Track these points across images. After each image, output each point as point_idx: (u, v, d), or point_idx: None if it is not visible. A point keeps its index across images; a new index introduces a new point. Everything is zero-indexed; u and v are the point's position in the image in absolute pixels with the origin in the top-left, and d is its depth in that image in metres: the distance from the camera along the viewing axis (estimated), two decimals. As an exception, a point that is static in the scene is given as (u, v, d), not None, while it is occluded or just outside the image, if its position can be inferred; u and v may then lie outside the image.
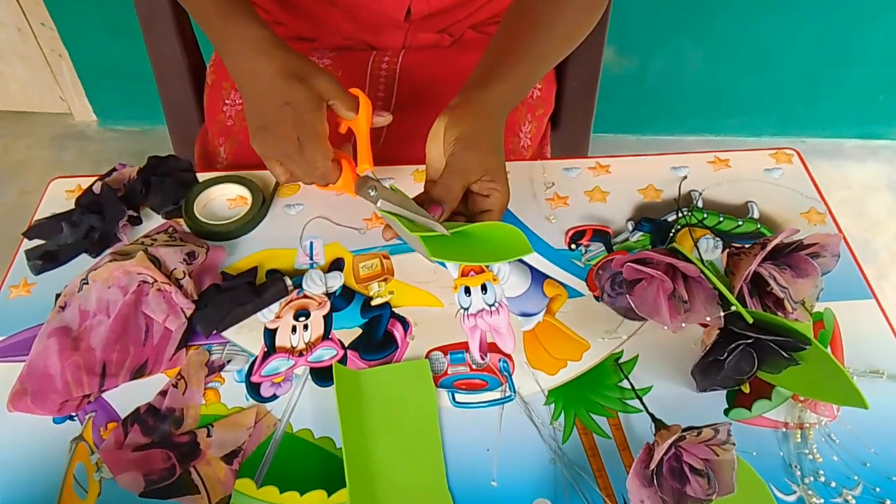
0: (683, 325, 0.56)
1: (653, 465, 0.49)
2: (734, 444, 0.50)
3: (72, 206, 0.71)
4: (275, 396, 0.59)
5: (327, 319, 0.64)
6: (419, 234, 0.57)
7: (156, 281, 0.61)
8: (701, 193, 0.73)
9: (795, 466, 0.54)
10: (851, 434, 0.55)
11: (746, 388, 0.58)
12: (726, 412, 0.57)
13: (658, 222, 0.70)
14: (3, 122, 2.01)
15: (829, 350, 0.61)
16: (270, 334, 0.63)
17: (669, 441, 0.49)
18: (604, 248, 0.69)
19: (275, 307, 0.64)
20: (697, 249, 0.67)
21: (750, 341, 0.53)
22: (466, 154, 0.60)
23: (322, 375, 0.60)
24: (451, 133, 0.61)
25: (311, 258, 0.69)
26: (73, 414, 0.58)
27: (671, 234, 0.68)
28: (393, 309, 0.64)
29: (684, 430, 0.50)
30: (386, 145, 0.84)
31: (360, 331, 0.63)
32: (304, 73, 0.62)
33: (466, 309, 0.64)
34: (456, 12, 0.86)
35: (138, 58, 1.02)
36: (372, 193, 0.63)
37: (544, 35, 0.67)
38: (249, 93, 0.64)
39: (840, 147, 1.89)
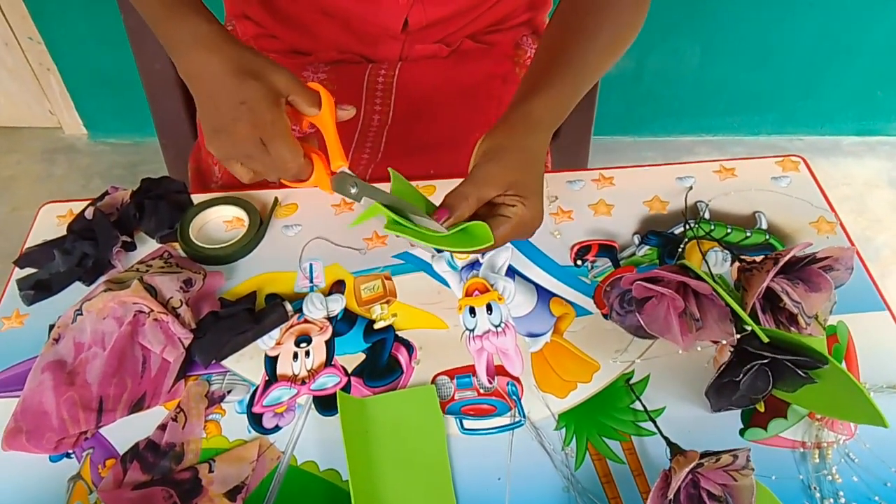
0: (699, 347, 0.54)
1: (670, 494, 0.48)
2: (753, 469, 0.48)
3: (63, 232, 0.70)
4: (277, 427, 0.57)
5: (329, 345, 0.62)
6: (384, 212, 0.57)
7: (152, 311, 0.59)
8: (707, 204, 0.71)
9: (815, 488, 0.52)
10: (871, 453, 0.54)
11: (761, 407, 0.56)
12: (742, 432, 0.56)
13: (665, 235, 0.69)
14: (-8, 137, 1.99)
15: (843, 364, 0.60)
16: (271, 362, 0.61)
17: (687, 469, 0.48)
18: (610, 263, 0.67)
19: (275, 333, 0.63)
20: (706, 263, 0.66)
21: (765, 361, 0.52)
22: (489, 166, 0.58)
23: (325, 404, 0.58)
24: (481, 146, 0.59)
25: (311, 281, 0.67)
26: (70, 451, 0.56)
27: (680, 249, 0.67)
28: (397, 332, 0.63)
29: (702, 455, 0.49)
30: (384, 159, 0.83)
31: (363, 356, 0.61)
32: (257, 70, 0.58)
33: (472, 330, 0.62)
34: (453, 22, 0.84)
35: (128, 69, 1.01)
36: (353, 191, 0.61)
37: (587, 47, 0.65)
38: (200, 93, 0.60)
39: (838, 144, 1.89)
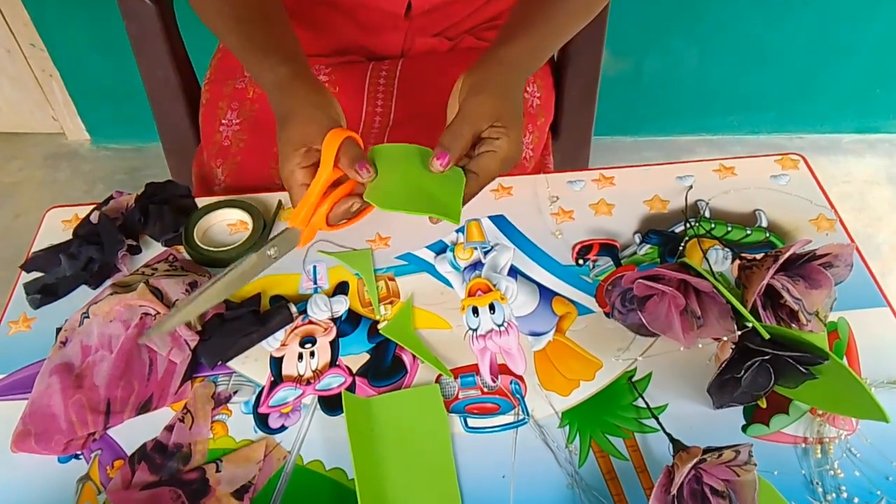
0: (701, 344, 0.55)
1: (674, 490, 0.48)
2: (755, 465, 0.49)
3: (69, 236, 0.70)
4: (283, 427, 0.58)
5: (334, 345, 0.63)
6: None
7: (158, 313, 0.60)
8: (708, 203, 0.72)
9: (817, 483, 0.53)
10: (873, 448, 0.55)
11: (763, 404, 0.57)
12: (744, 429, 0.56)
13: (666, 234, 0.69)
14: (-6, 143, 1.99)
15: (844, 360, 0.60)
16: (276, 363, 0.62)
17: (690, 465, 0.48)
18: (612, 262, 0.68)
19: (280, 335, 0.63)
20: (707, 261, 0.66)
21: (766, 357, 0.52)
22: (477, 99, 0.60)
23: (331, 404, 0.59)
24: (465, 84, 0.62)
25: (315, 282, 0.67)
26: (79, 453, 0.56)
27: (681, 247, 0.67)
28: (400, 332, 0.63)
29: (704, 451, 0.49)
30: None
31: (367, 356, 0.62)
32: (287, 118, 0.61)
33: (475, 330, 0.63)
34: (456, 8, 0.85)
35: (130, 75, 1.01)
36: (270, 252, 0.61)
37: (561, 5, 0.68)
38: None
39: (838, 142, 1.89)
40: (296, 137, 0.60)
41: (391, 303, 0.66)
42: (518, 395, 0.59)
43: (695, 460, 0.48)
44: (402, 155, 0.63)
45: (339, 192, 0.62)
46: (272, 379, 0.60)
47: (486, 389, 0.59)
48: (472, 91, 0.60)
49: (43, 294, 0.66)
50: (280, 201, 0.74)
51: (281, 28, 0.69)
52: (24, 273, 0.69)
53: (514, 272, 0.67)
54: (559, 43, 0.71)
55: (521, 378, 0.60)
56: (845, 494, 0.52)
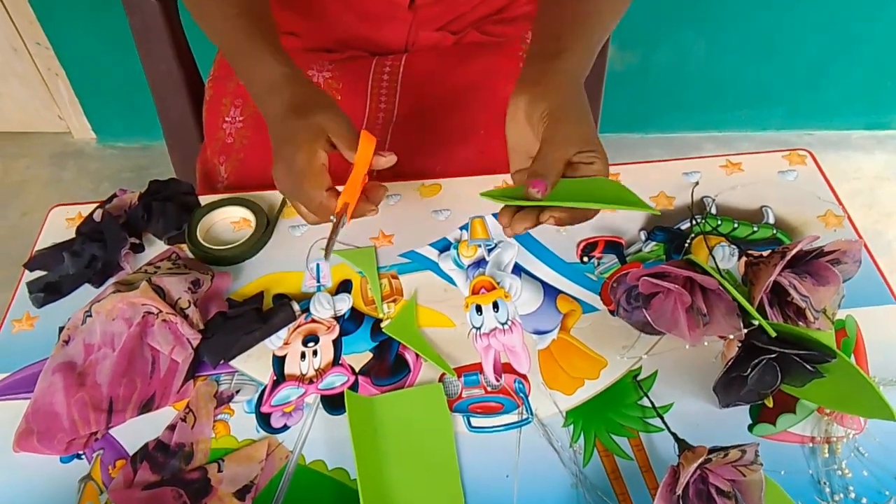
0: (707, 342, 0.54)
1: (679, 490, 0.48)
2: (762, 465, 0.48)
3: (73, 234, 0.70)
4: (286, 427, 0.57)
5: (337, 344, 0.62)
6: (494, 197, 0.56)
7: (161, 311, 0.60)
8: (714, 199, 0.71)
9: (825, 483, 0.52)
10: (881, 447, 0.54)
11: (770, 402, 0.56)
12: (750, 428, 0.56)
13: (672, 231, 0.69)
14: (1, 143, 1.99)
15: (852, 358, 0.59)
16: (279, 362, 0.61)
17: (695, 464, 0.48)
18: (617, 259, 0.67)
19: (283, 333, 0.63)
20: (713, 258, 0.66)
21: (773, 355, 0.51)
22: (562, 126, 0.57)
23: (333, 403, 0.58)
24: (537, 109, 0.58)
25: (318, 280, 0.67)
26: (81, 452, 0.56)
27: (687, 244, 0.67)
28: (403, 331, 0.63)
29: (710, 451, 0.49)
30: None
31: (370, 355, 0.62)
32: (306, 108, 0.59)
33: (479, 328, 0.62)
34: (460, 1, 0.84)
35: (135, 74, 1.01)
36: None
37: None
38: (269, 132, 0.62)
39: (848, 138, 1.87)
40: (328, 126, 0.59)
41: (394, 301, 0.65)
42: (522, 394, 0.58)
43: (700, 460, 0.48)
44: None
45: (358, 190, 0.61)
46: (274, 378, 0.60)
47: (489, 388, 0.59)
48: (553, 120, 0.57)
49: (46, 292, 0.66)
50: (284, 198, 0.74)
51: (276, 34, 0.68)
52: (27, 272, 0.69)
53: (517, 270, 0.67)
54: (607, 35, 0.67)
55: (524, 377, 0.59)
56: (853, 494, 0.51)
